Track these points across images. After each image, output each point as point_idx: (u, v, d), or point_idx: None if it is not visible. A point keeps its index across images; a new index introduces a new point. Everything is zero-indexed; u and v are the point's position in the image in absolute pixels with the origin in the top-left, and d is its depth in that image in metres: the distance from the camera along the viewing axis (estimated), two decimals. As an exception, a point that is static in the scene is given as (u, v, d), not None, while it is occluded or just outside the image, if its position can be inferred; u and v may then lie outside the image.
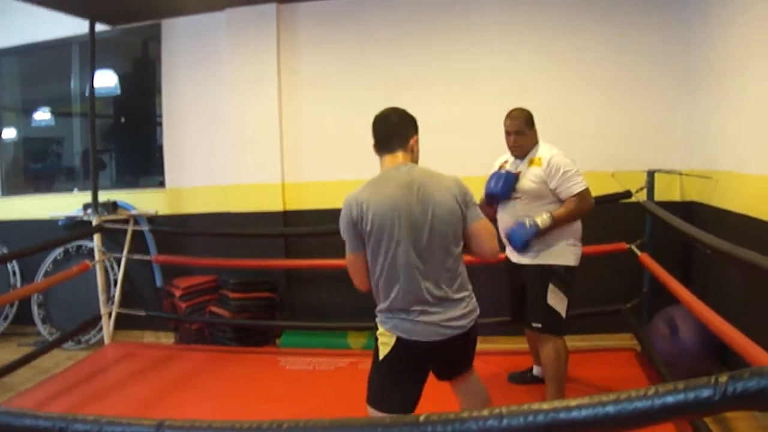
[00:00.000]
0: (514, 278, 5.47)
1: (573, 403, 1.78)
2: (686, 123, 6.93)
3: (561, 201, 5.14)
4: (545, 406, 1.78)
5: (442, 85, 7.40)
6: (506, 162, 5.43)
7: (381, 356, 3.71)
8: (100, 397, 6.18)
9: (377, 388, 3.83)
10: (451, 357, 3.90)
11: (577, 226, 5.34)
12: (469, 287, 3.85)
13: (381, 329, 3.73)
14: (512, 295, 5.56)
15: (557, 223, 5.03)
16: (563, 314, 5.14)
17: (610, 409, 1.74)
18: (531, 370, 6.14)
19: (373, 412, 3.76)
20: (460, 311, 3.71)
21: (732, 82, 5.79)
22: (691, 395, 1.72)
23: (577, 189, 5.07)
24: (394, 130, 3.90)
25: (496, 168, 5.45)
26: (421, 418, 1.85)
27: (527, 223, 5.01)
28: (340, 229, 3.78)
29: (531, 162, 5.22)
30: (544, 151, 5.25)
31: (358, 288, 3.90)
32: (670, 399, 1.73)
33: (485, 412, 1.81)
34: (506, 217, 5.27)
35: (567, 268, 5.19)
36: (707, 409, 1.76)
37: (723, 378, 1.71)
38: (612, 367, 6.35)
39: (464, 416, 1.81)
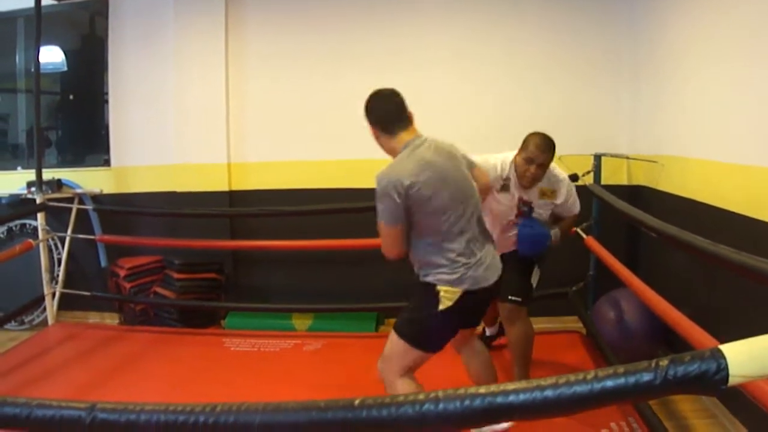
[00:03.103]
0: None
1: (510, 387, 1.76)
2: (633, 107, 6.99)
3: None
4: (482, 390, 1.77)
5: (390, 64, 7.34)
6: (509, 180, 5.20)
7: (441, 307, 3.86)
8: (42, 379, 6.05)
9: (430, 334, 3.99)
10: (487, 303, 4.24)
11: None
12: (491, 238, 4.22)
13: (447, 288, 3.87)
14: None
15: (556, 241, 5.23)
16: (534, 289, 5.42)
17: (548, 393, 1.72)
18: (484, 332, 6.34)
19: (416, 353, 3.99)
20: (496, 257, 4.15)
21: (677, 68, 5.84)
22: (632, 379, 1.71)
23: (578, 209, 5.42)
24: (402, 107, 4.07)
25: (498, 171, 5.16)
26: (356, 402, 1.83)
27: (548, 233, 5.15)
28: (379, 204, 3.83)
29: (543, 193, 5.24)
30: (555, 181, 5.25)
31: (390, 257, 4.00)
32: (609, 383, 1.72)
33: (421, 396, 1.78)
34: (498, 217, 5.30)
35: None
36: (648, 393, 1.76)
37: (664, 362, 1.71)
38: (557, 350, 6.37)
39: (400, 400, 1.79)
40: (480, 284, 3.91)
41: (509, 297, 5.18)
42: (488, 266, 3.98)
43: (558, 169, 5.29)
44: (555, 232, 5.16)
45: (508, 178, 5.18)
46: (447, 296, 3.86)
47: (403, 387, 3.92)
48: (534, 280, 5.36)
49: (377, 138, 4.07)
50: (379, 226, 3.90)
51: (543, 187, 5.20)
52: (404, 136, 3.98)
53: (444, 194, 3.81)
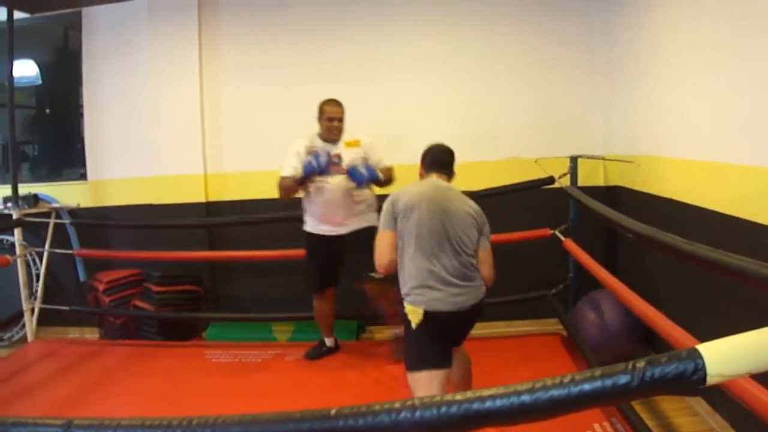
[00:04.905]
0: (330, 251, 6.20)
1: (487, 393, 1.76)
2: (608, 109, 7.02)
3: None
4: (458, 396, 1.76)
5: (366, 71, 7.38)
6: (313, 147, 6.07)
7: (413, 325, 4.17)
8: (22, 396, 6.01)
9: (416, 351, 4.27)
10: (456, 325, 4.36)
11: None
12: (476, 279, 4.33)
13: (411, 308, 4.18)
14: (326, 267, 6.30)
15: (383, 179, 6.11)
16: None
17: (525, 398, 1.72)
18: (324, 343, 6.72)
19: (429, 376, 4.19)
20: (463, 293, 4.21)
21: (651, 68, 5.87)
22: (609, 382, 1.70)
23: (386, 162, 6.22)
24: (447, 161, 4.61)
25: (302, 152, 6.08)
26: (333, 412, 1.82)
27: (373, 170, 5.98)
28: (383, 214, 4.38)
29: (348, 144, 6.12)
30: (354, 134, 6.19)
31: (381, 264, 4.36)
32: (587, 386, 1.71)
33: (397, 404, 1.78)
34: (334, 194, 6.02)
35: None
36: (625, 396, 1.75)
37: (641, 363, 1.70)
38: (538, 353, 6.40)
39: (376, 409, 1.78)
40: (434, 308, 4.13)
41: (370, 274, 5.52)
42: (444, 300, 4.15)
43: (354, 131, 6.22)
44: (381, 173, 6.04)
45: (313, 146, 6.09)
46: (412, 315, 4.16)
47: None
48: None
49: (420, 176, 4.60)
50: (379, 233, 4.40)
51: (346, 140, 6.13)
52: (431, 176, 4.53)
53: (421, 220, 4.20)
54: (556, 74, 7.16)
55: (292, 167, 5.95)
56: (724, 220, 4.44)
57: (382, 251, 4.33)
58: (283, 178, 5.99)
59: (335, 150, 6.02)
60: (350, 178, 5.91)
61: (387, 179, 6.13)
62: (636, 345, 5.89)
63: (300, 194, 6.13)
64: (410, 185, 4.42)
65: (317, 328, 6.69)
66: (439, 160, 4.57)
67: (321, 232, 6.17)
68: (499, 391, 1.74)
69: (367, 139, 6.17)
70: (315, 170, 5.81)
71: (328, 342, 6.65)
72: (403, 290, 4.26)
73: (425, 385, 4.14)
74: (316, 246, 6.26)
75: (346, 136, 6.13)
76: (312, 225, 6.23)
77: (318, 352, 6.61)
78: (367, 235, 5.58)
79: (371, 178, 5.93)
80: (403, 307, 4.25)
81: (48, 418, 2.06)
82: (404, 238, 4.24)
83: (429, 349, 4.21)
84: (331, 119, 6.03)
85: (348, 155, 6.00)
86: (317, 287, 6.42)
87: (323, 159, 5.82)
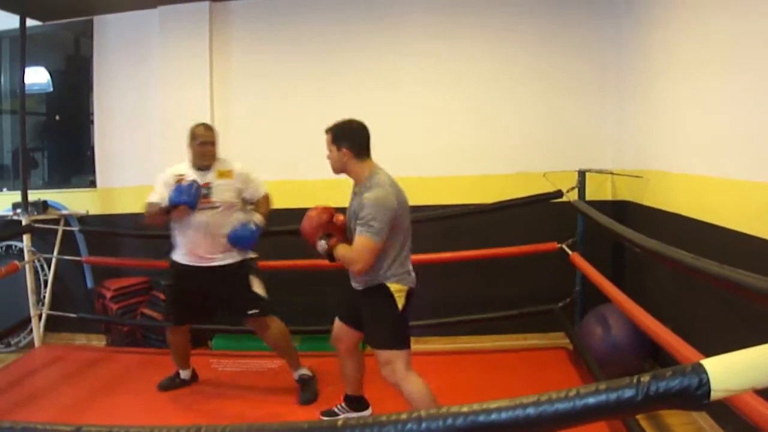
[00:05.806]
0: (197, 283, 5.88)
1: (493, 405, 1.76)
2: (617, 123, 7.02)
3: (249, 203, 6.03)
4: (464, 409, 1.76)
5: (376, 82, 7.40)
6: (183, 175, 5.79)
7: (400, 307, 4.62)
8: (29, 401, 6.03)
9: (404, 330, 4.75)
10: None
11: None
12: None
13: (399, 286, 4.62)
14: (190, 301, 5.97)
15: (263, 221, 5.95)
16: (265, 295, 5.91)
17: (530, 411, 1.72)
18: (179, 374, 6.38)
19: (405, 352, 4.69)
20: None
21: (660, 83, 5.87)
22: (613, 396, 1.71)
23: (265, 189, 6.11)
24: (370, 139, 4.71)
25: (170, 182, 5.75)
26: (340, 422, 1.82)
27: (252, 225, 5.82)
28: (383, 219, 4.41)
29: (220, 174, 5.84)
30: (229, 164, 5.95)
31: (362, 269, 4.55)
32: (591, 400, 1.72)
33: (404, 416, 1.78)
34: (198, 227, 5.72)
35: (255, 258, 6.04)
36: (630, 410, 1.75)
37: (645, 378, 1.71)
38: (544, 367, 6.37)
39: (382, 420, 1.78)
40: (414, 284, 4.72)
41: (248, 312, 5.87)
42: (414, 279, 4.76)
43: (229, 159, 6.00)
44: (258, 218, 5.91)
45: (182, 175, 5.76)
46: (399, 294, 4.60)
47: (414, 380, 4.60)
48: (258, 288, 5.90)
49: (345, 161, 4.65)
50: (363, 243, 4.42)
51: (220, 169, 5.85)
52: (370, 164, 4.68)
53: (407, 217, 4.68)
54: (566, 88, 7.17)
55: (158, 194, 5.73)
56: (731, 235, 4.44)
57: (368, 259, 4.49)
58: (149, 204, 5.77)
59: (206, 179, 5.74)
60: (235, 247, 5.80)
61: (265, 213, 6.02)
62: (642, 359, 5.88)
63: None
64: (386, 184, 4.53)
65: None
66: (367, 143, 4.68)
67: (187, 263, 5.84)
68: (504, 404, 1.75)
69: (240, 167, 5.93)
70: (183, 202, 5.50)
71: (183, 374, 6.34)
72: (391, 272, 4.61)
73: (407, 361, 4.63)
74: (181, 276, 5.95)
75: (220, 164, 5.87)
76: (178, 254, 5.92)
77: (171, 383, 6.30)
78: (238, 269, 5.87)
79: (253, 236, 5.81)
80: (386, 287, 4.60)
81: (57, 424, 2.06)
82: (398, 233, 4.57)
83: (408, 325, 4.77)
84: (204, 143, 5.77)
85: (219, 187, 5.75)
86: (176, 321, 6.07)
87: (194, 190, 5.52)
